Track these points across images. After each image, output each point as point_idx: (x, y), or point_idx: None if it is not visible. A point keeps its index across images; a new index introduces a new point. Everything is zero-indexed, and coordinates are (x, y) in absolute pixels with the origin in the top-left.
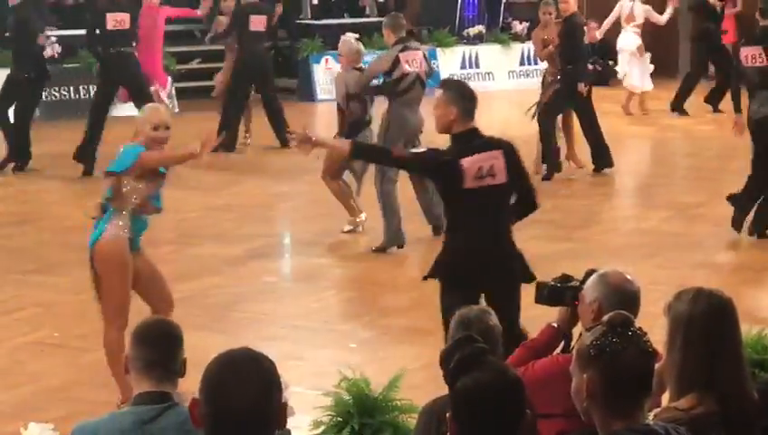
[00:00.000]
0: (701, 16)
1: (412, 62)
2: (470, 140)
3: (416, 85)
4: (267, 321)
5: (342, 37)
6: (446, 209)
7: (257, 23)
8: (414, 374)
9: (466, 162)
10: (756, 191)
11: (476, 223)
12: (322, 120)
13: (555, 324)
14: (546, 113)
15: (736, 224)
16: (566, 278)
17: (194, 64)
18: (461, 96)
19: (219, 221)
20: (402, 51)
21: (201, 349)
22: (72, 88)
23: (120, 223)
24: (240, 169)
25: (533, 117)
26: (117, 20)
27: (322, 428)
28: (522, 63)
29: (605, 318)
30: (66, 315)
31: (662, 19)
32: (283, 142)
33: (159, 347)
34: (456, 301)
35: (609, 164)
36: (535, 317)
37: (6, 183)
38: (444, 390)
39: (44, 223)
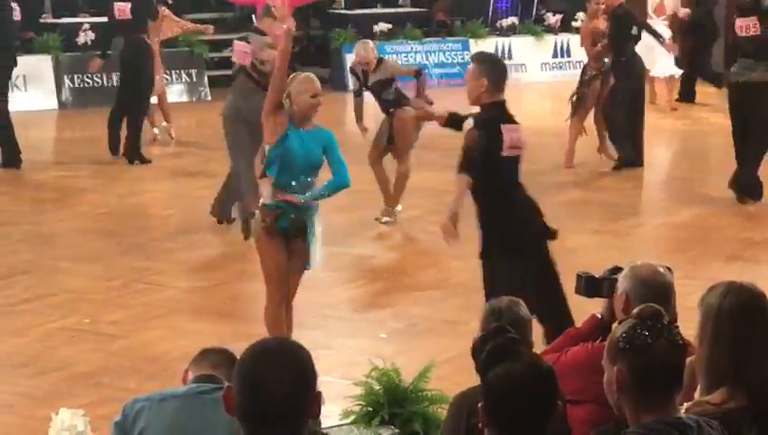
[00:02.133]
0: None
1: None
2: (501, 112)
3: None
4: (297, 310)
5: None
6: (481, 181)
7: None
8: (444, 365)
9: (504, 129)
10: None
11: (517, 193)
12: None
13: (599, 314)
14: (612, 107)
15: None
16: (616, 270)
17: (227, 52)
18: (492, 68)
19: None
20: None
21: (231, 336)
22: (104, 75)
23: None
24: None
25: (571, 114)
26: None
27: (353, 417)
28: (555, 56)
29: (635, 311)
30: (97, 302)
31: (683, 12)
32: None
33: (221, 371)
34: (518, 271)
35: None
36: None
37: (39, 169)
38: (474, 381)
39: (77, 209)
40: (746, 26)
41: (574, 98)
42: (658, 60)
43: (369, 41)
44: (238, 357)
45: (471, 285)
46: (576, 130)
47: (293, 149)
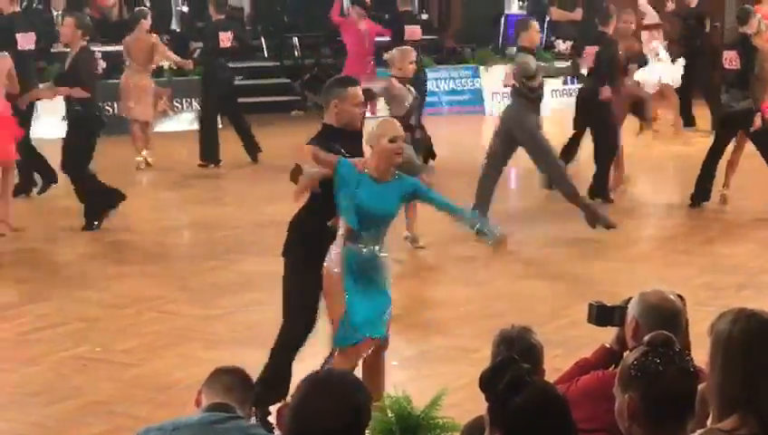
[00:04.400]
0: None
1: None
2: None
3: None
4: (309, 337)
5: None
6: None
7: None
8: (456, 393)
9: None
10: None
11: None
12: None
13: (608, 345)
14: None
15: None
16: (630, 300)
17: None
18: None
19: (262, 237)
20: None
21: (245, 365)
22: (115, 104)
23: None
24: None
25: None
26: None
27: None
28: (565, 83)
29: (646, 338)
30: (109, 330)
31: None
32: (253, 159)
33: (234, 394)
34: None
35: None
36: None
37: (57, 197)
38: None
39: (92, 236)
40: (730, 59)
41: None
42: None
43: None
44: (252, 378)
45: (482, 313)
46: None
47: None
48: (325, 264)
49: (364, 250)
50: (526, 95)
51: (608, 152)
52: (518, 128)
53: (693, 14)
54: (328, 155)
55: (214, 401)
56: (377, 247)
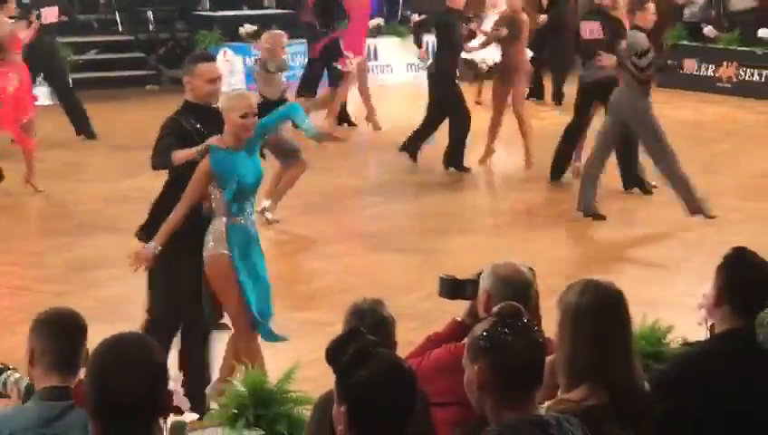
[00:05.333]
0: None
1: None
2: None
3: None
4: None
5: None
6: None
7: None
8: (310, 367)
9: None
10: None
11: None
12: None
13: (459, 318)
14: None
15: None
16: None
17: (91, 55)
18: None
19: (116, 212)
20: None
21: (94, 341)
22: None
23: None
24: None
25: None
26: None
27: (218, 419)
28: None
29: (495, 309)
30: None
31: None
32: (89, 136)
33: (69, 340)
34: None
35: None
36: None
37: None
38: None
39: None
40: (590, 30)
41: None
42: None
43: None
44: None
45: (337, 287)
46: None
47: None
48: (208, 248)
49: (244, 223)
50: (635, 76)
51: (462, 125)
52: (631, 113)
53: None
54: (188, 152)
55: (49, 373)
56: (252, 218)
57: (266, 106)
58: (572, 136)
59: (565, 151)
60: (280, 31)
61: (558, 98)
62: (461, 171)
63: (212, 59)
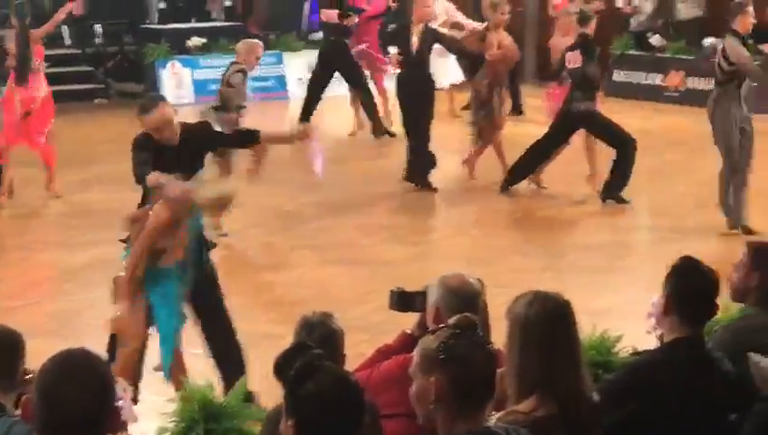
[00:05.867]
0: None
1: None
2: None
3: None
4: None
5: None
6: None
7: None
8: (260, 380)
9: None
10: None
11: None
12: None
13: (409, 331)
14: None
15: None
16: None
17: None
18: None
19: (69, 226)
20: None
21: (45, 355)
22: None
23: None
24: (90, 174)
25: None
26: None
27: (168, 434)
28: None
29: (451, 321)
30: None
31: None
32: None
33: (4, 357)
34: None
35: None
36: None
37: None
38: None
39: None
40: (572, 59)
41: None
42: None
43: None
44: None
45: (287, 299)
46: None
47: None
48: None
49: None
50: (727, 82)
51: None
52: (719, 118)
53: None
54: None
55: None
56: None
57: (227, 111)
58: (542, 154)
59: (528, 166)
60: (255, 40)
61: (517, 110)
62: (426, 189)
63: (153, 106)
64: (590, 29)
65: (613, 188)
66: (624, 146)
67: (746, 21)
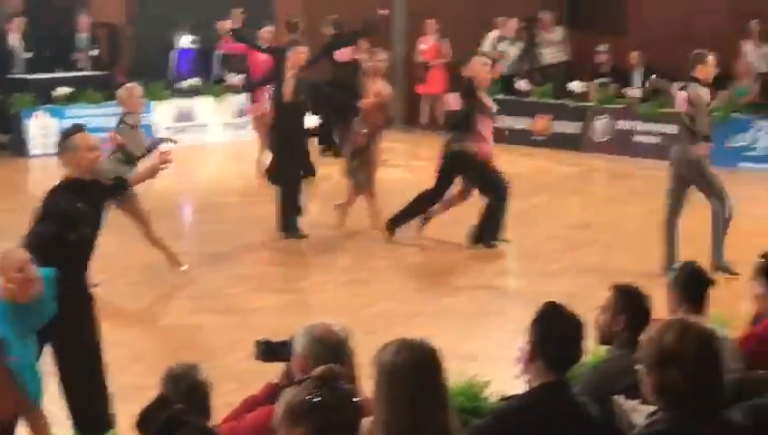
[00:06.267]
0: None
1: None
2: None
3: None
4: None
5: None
6: None
7: None
8: (128, 432)
9: None
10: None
11: None
12: (35, 175)
13: (275, 381)
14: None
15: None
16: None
17: None
18: None
19: None
20: None
21: None
22: None
23: None
24: None
25: None
26: None
27: None
28: (237, 116)
29: (315, 372)
30: None
31: None
32: None
33: None
34: None
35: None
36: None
37: None
38: None
39: None
40: (452, 102)
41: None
42: None
43: None
44: None
45: (156, 350)
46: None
47: None
48: None
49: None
50: (690, 128)
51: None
52: (685, 165)
53: None
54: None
55: None
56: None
57: (130, 161)
58: (429, 200)
59: (412, 211)
60: (134, 84)
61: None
62: (297, 237)
63: (83, 129)
64: (472, 72)
65: (488, 233)
66: (496, 192)
67: (707, 70)
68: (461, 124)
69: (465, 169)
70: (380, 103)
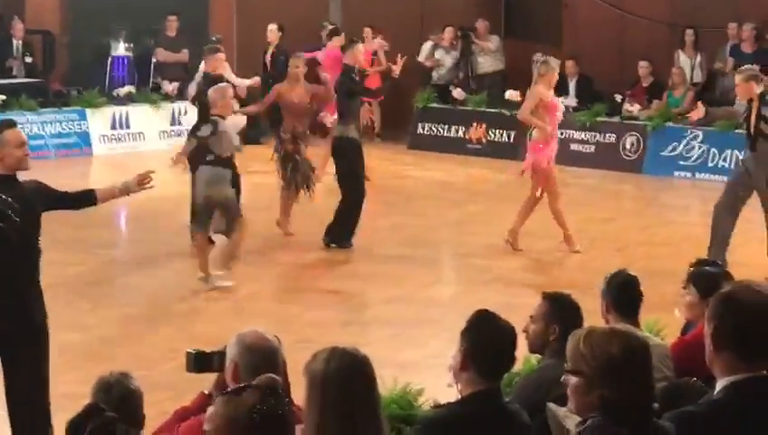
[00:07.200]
0: None
1: None
2: None
3: None
4: None
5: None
6: None
7: None
8: None
9: None
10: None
11: None
12: None
13: (207, 391)
14: None
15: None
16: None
17: None
18: None
19: None
20: None
21: None
22: None
23: None
24: None
25: None
26: None
27: None
28: (173, 123)
29: (257, 381)
30: None
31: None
32: None
33: None
34: None
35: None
36: None
37: None
38: None
39: None
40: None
41: None
42: None
43: None
44: None
45: (90, 357)
46: None
47: None
48: None
49: None
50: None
51: None
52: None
53: None
54: None
55: None
56: None
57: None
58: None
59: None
60: (226, 84)
61: None
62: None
63: (14, 124)
64: (352, 60)
65: (337, 234)
66: (352, 197)
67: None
68: (344, 111)
69: (339, 155)
70: (300, 109)
